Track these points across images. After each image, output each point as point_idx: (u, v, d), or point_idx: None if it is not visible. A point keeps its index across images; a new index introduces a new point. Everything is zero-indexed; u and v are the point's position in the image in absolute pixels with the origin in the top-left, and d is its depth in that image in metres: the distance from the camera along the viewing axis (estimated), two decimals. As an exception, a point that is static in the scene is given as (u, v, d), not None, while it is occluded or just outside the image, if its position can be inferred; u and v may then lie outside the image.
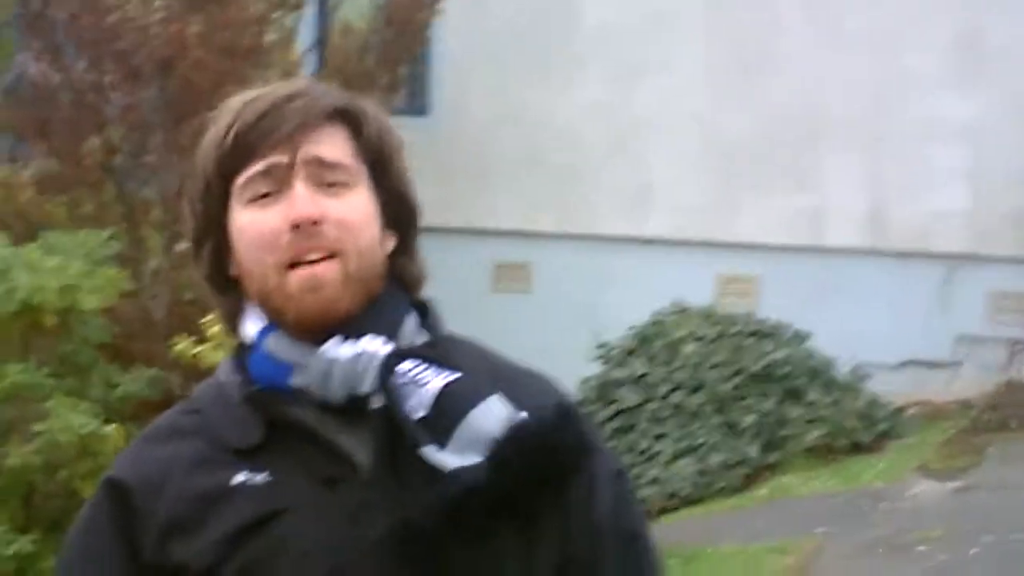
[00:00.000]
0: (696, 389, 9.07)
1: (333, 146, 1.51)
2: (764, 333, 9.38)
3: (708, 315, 9.54)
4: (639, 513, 1.64)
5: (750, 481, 8.81)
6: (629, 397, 9.17)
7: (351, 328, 1.48)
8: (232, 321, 1.59)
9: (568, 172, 10.65)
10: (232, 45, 10.33)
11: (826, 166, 10.48)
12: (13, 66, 11.26)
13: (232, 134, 1.49)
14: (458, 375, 1.47)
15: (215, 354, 7.18)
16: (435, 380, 1.45)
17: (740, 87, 10.49)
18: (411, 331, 1.55)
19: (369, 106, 1.57)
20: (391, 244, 1.56)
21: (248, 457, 1.49)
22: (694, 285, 9.97)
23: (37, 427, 8.15)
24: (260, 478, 1.48)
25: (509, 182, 10.61)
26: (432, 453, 1.41)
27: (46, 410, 8.28)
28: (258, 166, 1.49)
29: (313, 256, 1.47)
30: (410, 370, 1.46)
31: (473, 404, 1.45)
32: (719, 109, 10.47)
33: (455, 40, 11.04)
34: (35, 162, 11.18)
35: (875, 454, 8.90)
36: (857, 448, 8.96)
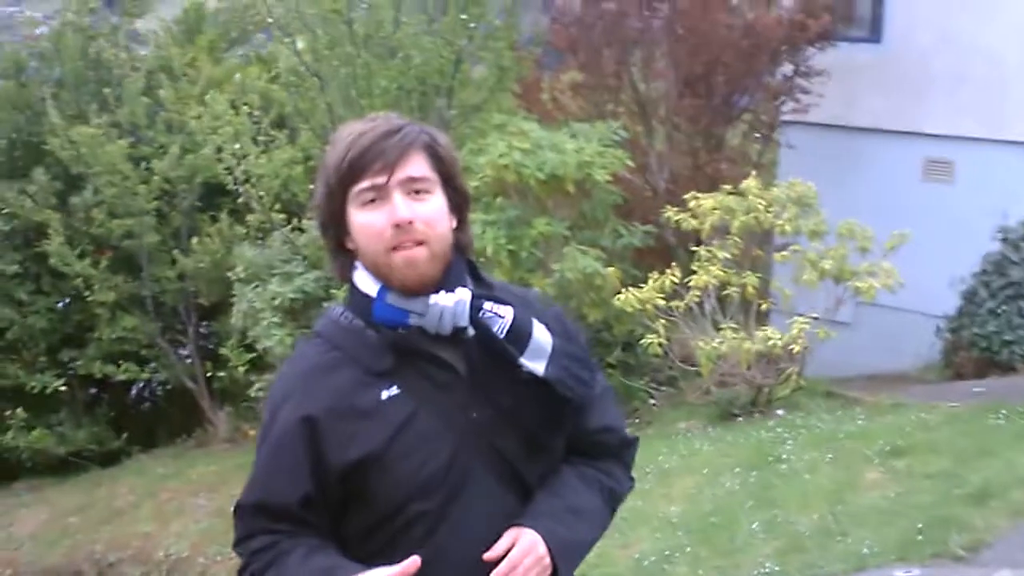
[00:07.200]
0: (1073, 272, 9.54)
1: (418, 166, 1.94)
2: None
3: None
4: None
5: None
6: (1018, 273, 9.65)
7: (444, 285, 1.94)
8: (343, 277, 2.03)
9: (988, 86, 11.21)
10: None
11: None
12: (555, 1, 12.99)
13: (347, 161, 1.92)
14: (513, 308, 1.97)
15: (691, 223, 8.95)
16: (507, 314, 1.96)
17: None
18: (469, 281, 2.01)
19: (441, 138, 2.01)
20: (455, 223, 2.00)
21: (386, 376, 1.94)
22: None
23: (554, 266, 9.63)
24: (396, 390, 1.93)
25: (941, 94, 11.41)
26: (524, 360, 1.96)
27: (563, 254, 9.66)
28: (366, 183, 1.92)
29: (409, 244, 1.91)
30: (490, 309, 1.95)
31: (531, 327, 1.97)
32: None
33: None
34: (570, 72, 13.04)
35: None
36: None
